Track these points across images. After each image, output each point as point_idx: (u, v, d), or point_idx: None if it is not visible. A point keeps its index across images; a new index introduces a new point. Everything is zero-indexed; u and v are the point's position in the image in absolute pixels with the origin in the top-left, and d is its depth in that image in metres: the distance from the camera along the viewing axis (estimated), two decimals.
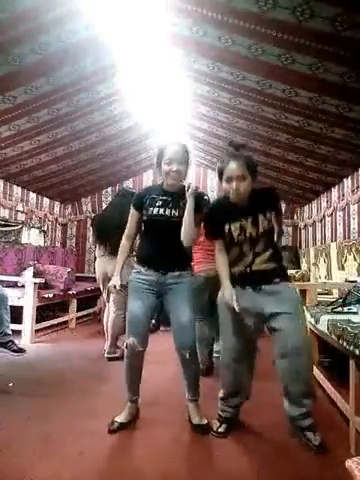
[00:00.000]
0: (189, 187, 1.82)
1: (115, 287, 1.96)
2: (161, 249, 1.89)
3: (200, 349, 2.52)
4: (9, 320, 3.27)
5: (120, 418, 1.93)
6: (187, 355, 1.87)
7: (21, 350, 3.21)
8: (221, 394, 1.95)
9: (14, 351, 3.16)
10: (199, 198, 1.86)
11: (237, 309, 1.73)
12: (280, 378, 1.81)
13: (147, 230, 1.97)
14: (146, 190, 2.02)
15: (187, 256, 1.98)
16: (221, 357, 1.92)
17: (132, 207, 2.00)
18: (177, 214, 1.85)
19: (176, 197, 1.87)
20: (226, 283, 1.80)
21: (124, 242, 2.03)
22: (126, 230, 2.03)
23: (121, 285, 1.91)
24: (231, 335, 1.84)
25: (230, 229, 1.80)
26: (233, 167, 1.72)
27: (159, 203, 1.88)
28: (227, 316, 1.86)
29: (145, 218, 1.91)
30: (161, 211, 1.86)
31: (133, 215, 1.99)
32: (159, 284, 1.90)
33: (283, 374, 1.78)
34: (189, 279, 1.94)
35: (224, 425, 1.90)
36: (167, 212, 1.86)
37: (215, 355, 3.08)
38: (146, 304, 1.90)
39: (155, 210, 1.87)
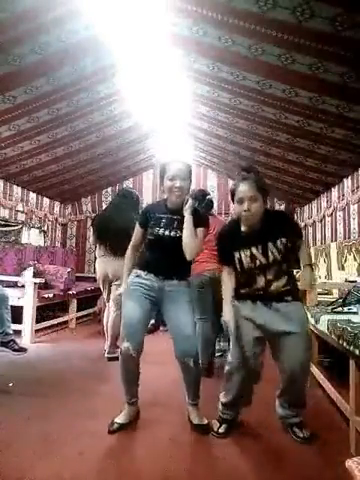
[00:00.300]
0: (187, 201, 1.87)
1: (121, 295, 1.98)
2: (163, 259, 1.92)
3: (202, 349, 2.52)
4: (10, 320, 3.28)
5: (120, 419, 1.93)
6: (191, 363, 1.86)
7: (22, 349, 3.22)
8: (223, 399, 1.96)
9: (15, 350, 3.17)
10: (197, 210, 1.94)
11: (232, 329, 1.82)
12: (283, 386, 1.88)
13: (151, 244, 1.99)
14: (151, 207, 2.06)
15: (187, 268, 2.01)
16: (228, 366, 1.92)
17: (137, 224, 2.05)
18: (180, 234, 1.87)
19: (180, 217, 1.90)
20: (227, 307, 1.85)
21: (129, 252, 2.08)
22: (132, 241, 2.08)
23: None
24: (239, 346, 1.85)
25: (240, 257, 1.82)
26: (244, 188, 1.75)
27: (163, 223, 1.92)
28: (237, 331, 1.87)
29: (150, 236, 1.95)
30: (166, 232, 1.90)
31: (138, 231, 2.05)
32: (157, 290, 1.91)
33: (285, 386, 1.86)
34: (186, 287, 1.96)
35: (224, 426, 1.92)
36: (172, 233, 1.89)
37: (217, 354, 3.09)
38: (143, 308, 1.90)
39: (160, 231, 1.91)
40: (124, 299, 1.96)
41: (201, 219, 1.93)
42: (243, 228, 1.82)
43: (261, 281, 1.82)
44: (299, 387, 1.84)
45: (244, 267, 1.81)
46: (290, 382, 1.82)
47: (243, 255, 1.81)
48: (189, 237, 1.83)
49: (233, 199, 1.82)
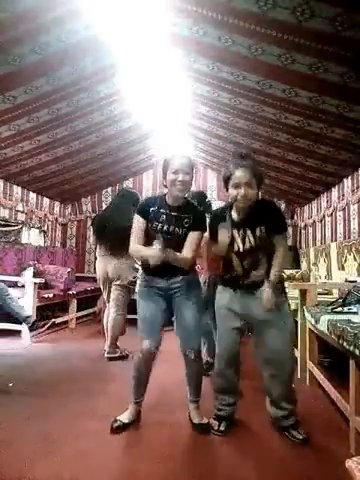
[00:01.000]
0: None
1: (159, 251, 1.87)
2: (164, 262, 1.89)
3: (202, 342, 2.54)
4: (20, 305, 3.30)
5: (123, 418, 1.94)
6: (192, 356, 1.91)
7: (45, 323, 3.26)
8: (215, 386, 2.02)
9: (43, 326, 3.22)
10: (199, 213, 1.97)
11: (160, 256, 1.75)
12: (265, 381, 1.91)
13: (151, 241, 1.97)
14: (150, 200, 2.02)
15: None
16: (217, 352, 1.98)
17: (137, 214, 1.98)
18: (180, 232, 1.90)
19: (180, 214, 1.92)
20: (148, 251, 1.84)
21: (134, 246, 1.99)
22: (134, 239, 1.99)
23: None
24: (225, 335, 1.91)
25: (233, 235, 1.84)
26: (241, 174, 1.76)
27: (163, 218, 1.92)
28: (220, 317, 1.94)
29: (150, 230, 1.95)
30: (165, 227, 1.91)
31: (139, 222, 1.96)
32: (166, 289, 1.95)
33: (266, 378, 1.89)
34: (192, 281, 1.97)
35: (223, 423, 1.93)
36: (171, 229, 1.91)
37: None
38: (158, 306, 1.94)
39: (159, 225, 1.91)
40: (139, 301, 2.00)
41: (198, 223, 1.94)
42: (234, 214, 1.87)
43: (239, 268, 1.87)
44: (282, 379, 1.84)
45: (233, 248, 1.85)
46: (272, 375, 1.84)
47: (235, 235, 1.85)
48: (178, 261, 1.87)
49: (226, 185, 1.83)
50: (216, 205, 5.82)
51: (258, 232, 1.81)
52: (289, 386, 1.89)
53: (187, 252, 1.88)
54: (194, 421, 1.95)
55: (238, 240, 1.83)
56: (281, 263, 1.84)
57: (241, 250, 1.83)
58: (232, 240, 1.84)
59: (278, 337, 1.81)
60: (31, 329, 3.20)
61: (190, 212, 1.94)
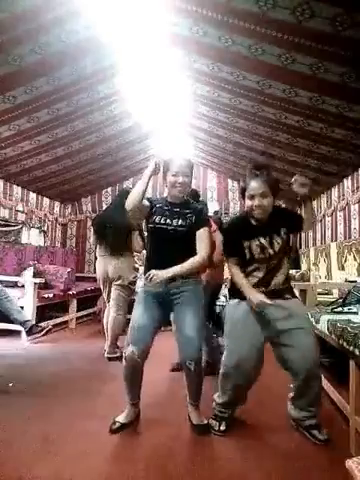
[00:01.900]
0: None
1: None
2: (164, 260, 1.88)
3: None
4: (18, 308, 3.28)
5: (121, 418, 1.93)
6: (192, 367, 1.84)
7: (44, 329, 3.24)
8: (218, 400, 1.97)
9: (41, 331, 3.19)
10: (200, 209, 1.98)
11: (268, 304, 1.72)
12: (295, 387, 1.86)
13: (153, 239, 1.99)
14: (154, 198, 2.08)
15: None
16: (224, 368, 1.90)
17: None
18: (182, 223, 1.90)
19: (181, 209, 1.95)
20: (251, 290, 1.80)
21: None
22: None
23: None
24: (239, 350, 1.83)
25: (250, 246, 1.84)
26: (255, 185, 1.79)
27: (166, 213, 1.94)
28: (235, 327, 1.87)
29: (151, 226, 1.95)
30: (168, 221, 1.92)
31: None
32: (164, 294, 1.90)
33: (298, 387, 1.84)
34: (194, 287, 1.92)
35: (223, 423, 1.92)
36: (174, 222, 1.91)
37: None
38: (152, 314, 1.90)
39: (162, 219, 1.92)
40: (135, 303, 1.98)
41: (201, 218, 1.95)
42: (253, 222, 1.87)
43: (262, 274, 1.85)
44: (316, 386, 1.81)
45: (254, 256, 1.84)
46: (306, 382, 1.79)
47: (254, 245, 1.84)
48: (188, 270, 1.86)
49: (243, 195, 1.87)
50: (214, 205, 5.86)
51: (282, 234, 1.85)
52: (319, 392, 1.86)
53: (202, 250, 1.88)
54: (194, 422, 1.94)
55: (266, 245, 1.83)
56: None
57: (271, 253, 1.83)
58: (262, 247, 1.83)
59: (308, 340, 1.77)
60: (28, 334, 3.18)
61: (191, 208, 1.97)
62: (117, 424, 1.90)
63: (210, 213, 3.01)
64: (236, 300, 1.90)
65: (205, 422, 1.94)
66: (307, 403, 1.85)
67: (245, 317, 1.84)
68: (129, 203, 1.86)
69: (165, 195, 2.05)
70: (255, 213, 1.82)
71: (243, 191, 1.86)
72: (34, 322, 3.52)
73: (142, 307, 1.92)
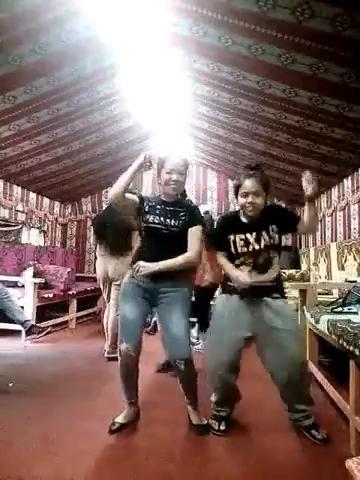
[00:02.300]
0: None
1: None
2: (156, 257, 1.85)
3: None
4: (19, 308, 3.29)
5: (120, 419, 1.93)
6: (182, 366, 1.83)
7: (44, 329, 3.25)
8: (214, 398, 1.99)
9: (40, 332, 3.20)
10: (193, 207, 1.99)
11: (248, 283, 1.78)
12: (279, 388, 1.88)
13: (145, 238, 1.98)
14: (147, 196, 2.04)
15: (184, 268, 1.90)
16: (210, 366, 1.93)
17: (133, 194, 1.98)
18: (176, 224, 1.88)
19: (175, 208, 1.93)
20: (233, 269, 1.87)
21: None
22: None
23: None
24: (224, 346, 1.86)
25: (235, 240, 1.89)
26: (249, 184, 1.83)
27: (158, 211, 1.91)
28: (222, 322, 1.90)
29: (144, 225, 1.92)
30: (162, 219, 1.89)
31: (131, 198, 1.92)
32: (152, 291, 1.88)
33: (282, 387, 1.86)
34: (183, 289, 1.90)
35: (223, 422, 1.93)
36: (167, 221, 1.89)
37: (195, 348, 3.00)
38: (140, 309, 1.88)
39: (156, 218, 1.89)
40: (121, 300, 1.95)
41: (194, 217, 1.93)
42: (244, 219, 1.91)
43: (249, 269, 1.87)
44: (295, 387, 1.83)
45: (237, 250, 1.88)
46: (286, 385, 1.82)
47: (238, 239, 1.88)
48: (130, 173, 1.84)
49: (236, 193, 1.91)
50: (213, 205, 5.86)
51: (271, 231, 1.86)
52: (306, 390, 1.88)
53: (193, 247, 1.88)
54: (193, 422, 1.94)
55: (252, 240, 1.86)
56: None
57: (256, 248, 1.85)
58: (246, 242, 1.87)
59: (290, 342, 1.79)
60: (28, 333, 3.18)
61: (184, 206, 1.95)
62: (116, 425, 1.90)
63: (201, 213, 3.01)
64: (224, 295, 1.94)
65: (205, 422, 1.94)
66: (292, 402, 1.88)
67: (230, 312, 1.87)
68: (111, 193, 1.84)
69: (159, 193, 2.01)
70: (247, 210, 1.86)
71: (236, 189, 1.89)
72: (34, 322, 3.53)
73: (130, 302, 1.89)
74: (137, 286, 1.90)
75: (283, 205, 5.65)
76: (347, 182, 3.87)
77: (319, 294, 3.15)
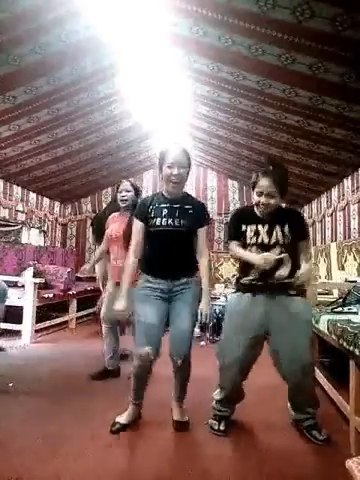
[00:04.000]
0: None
1: (125, 312, 1.91)
2: (168, 259, 1.88)
3: None
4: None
5: (122, 419, 1.92)
6: (180, 362, 1.84)
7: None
8: (217, 396, 1.97)
9: None
10: (200, 204, 1.98)
11: (273, 258, 1.73)
12: (289, 389, 1.88)
13: (153, 241, 1.92)
14: (147, 200, 1.96)
15: (193, 262, 1.95)
16: (221, 364, 1.92)
17: (136, 219, 1.93)
18: (184, 223, 1.84)
19: (181, 205, 1.88)
20: (250, 254, 1.82)
21: (131, 260, 1.93)
22: (131, 246, 1.94)
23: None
24: (236, 346, 1.83)
25: (245, 230, 1.86)
26: (265, 184, 1.79)
27: (165, 212, 1.86)
28: (235, 320, 1.88)
29: (151, 229, 1.87)
30: (170, 221, 1.84)
31: (138, 227, 1.91)
32: (168, 291, 1.89)
33: (290, 386, 1.85)
34: (194, 286, 1.91)
35: (223, 422, 1.92)
36: (176, 222, 1.84)
37: None
38: (160, 311, 1.87)
39: (163, 221, 1.84)
40: (138, 304, 1.89)
41: (203, 215, 1.93)
42: (258, 213, 1.88)
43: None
44: (305, 389, 1.83)
45: (246, 241, 1.85)
46: (296, 385, 1.81)
47: (248, 229, 1.85)
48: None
49: (253, 188, 1.87)
50: (213, 205, 5.86)
51: (286, 230, 1.83)
52: (313, 392, 1.87)
53: (204, 250, 1.90)
54: (174, 417, 1.94)
55: (263, 233, 1.83)
56: (307, 254, 1.90)
57: (265, 241, 1.82)
58: (256, 233, 1.84)
59: (302, 344, 1.77)
60: None
61: (191, 203, 1.90)
62: (118, 425, 1.89)
63: None
64: (237, 293, 1.91)
65: (186, 419, 1.94)
66: (302, 404, 1.87)
67: (245, 311, 1.84)
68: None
69: (161, 190, 1.96)
70: (260, 209, 1.84)
71: (253, 185, 1.86)
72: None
73: (148, 305, 1.86)
74: (153, 289, 1.88)
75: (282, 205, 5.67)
76: (347, 182, 3.86)
77: (319, 294, 3.15)
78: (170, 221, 1.84)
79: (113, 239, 2.68)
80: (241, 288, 1.89)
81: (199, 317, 1.86)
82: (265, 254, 1.75)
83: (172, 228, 1.84)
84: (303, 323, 1.80)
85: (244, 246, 1.86)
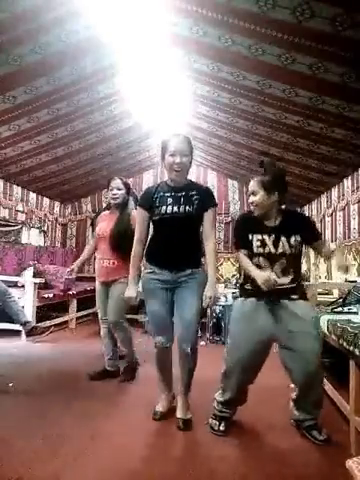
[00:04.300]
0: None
1: (135, 298, 1.98)
2: (173, 249, 1.89)
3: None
4: (20, 307, 3.30)
5: (160, 407, 2.00)
6: (188, 349, 1.88)
7: (45, 331, 3.30)
8: (220, 398, 1.97)
9: (41, 333, 3.23)
10: (205, 188, 2.00)
11: (274, 281, 1.72)
12: (298, 392, 1.87)
13: (158, 229, 1.94)
14: (151, 189, 1.98)
15: (199, 252, 1.97)
16: (225, 366, 1.92)
17: (139, 207, 1.96)
18: (190, 209, 1.86)
19: (185, 192, 1.89)
20: (256, 270, 1.80)
21: (136, 248, 1.99)
22: (136, 234, 1.99)
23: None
24: (242, 350, 1.83)
25: (252, 240, 1.86)
26: (251, 183, 1.87)
27: (170, 201, 1.87)
28: (240, 325, 1.88)
29: (156, 218, 1.89)
30: (175, 209, 1.85)
31: (142, 216, 1.96)
32: (173, 282, 1.91)
33: (300, 389, 1.85)
34: (200, 276, 1.94)
35: (223, 423, 1.92)
36: (181, 209, 1.86)
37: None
38: (166, 302, 1.92)
39: (168, 209, 1.86)
40: (146, 297, 1.97)
41: (208, 199, 1.93)
42: (266, 221, 1.89)
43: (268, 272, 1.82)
44: (317, 390, 1.82)
45: (254, 251, 1.85)
46: (307, 387, 1.80)
47: (255, 238, 1.85)
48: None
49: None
50: None
51: (293, 241, 1.83)
52: (321, 395, 1.88)
53: (211, 235, 1.90)
54: (177, 415, 1.95)
55: (269, 242, 1.83)
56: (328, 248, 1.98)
57: (272, 251, 1.82)
58: (263, 243, 1.84)
59: (308, 349, 1.76)
60: (28, 334, 3.19)
61: (195, 189, 1.90)
62: (158, 414, 1.97)
63: None
64: (242, 298, 1.91)
65: (189, 417, 1.94)
66: (310, 406, 1.86)
67: (250, 315, 1.84)
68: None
69: (165, 179, 1.98)
70: (252, 209, 1.88)
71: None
72: (34, 323, 3.52)
73: (156, 298, 1.93)
74: (158, 281, 1.92)
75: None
76: (347, 182, 3.86)
77: (319, 294, 3.15)
78: (175, 208, 1.85)
79: (100, 238, 2.69)
80: (244, 293, 1.90)
81: (204, 300, 1.87)
82: (267, 277, 1.71)
83: (177, 215, 1.85)
84: (308, 325, 1.79)
85: (251, 255, 1.86)
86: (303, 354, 1.75)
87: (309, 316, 1.84)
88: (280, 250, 1.82)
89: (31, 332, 3.21)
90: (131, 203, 2.74)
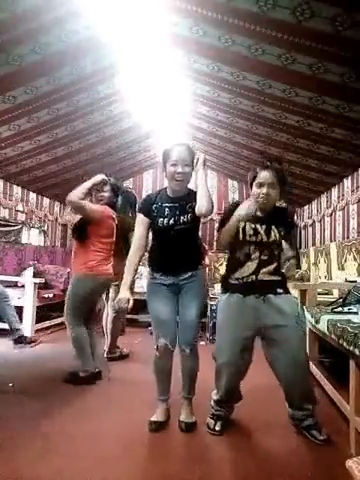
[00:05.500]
0: (198, 161, 1.90)
1: (127, 301, 1.90)
2: (172, 257, 1.91)
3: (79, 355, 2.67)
4: (15, 314, 3.30)
5: (157, 417, 1.94)
6: (188, 351, 1.89)
7: (33, 341, 3.26)
8: (214, 397, 1.98)
9: (29, 343, 3.23)
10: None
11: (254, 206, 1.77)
12: (282, 386, 1.87)
13: (158, 239, 1.97)
14: (151, 197, 1.97)
15: (198, 255, 2.00)
16: (217, 365, 1.93)
17: (139, 213, 1.94)
18: (185, 220, 1.87)
19: (183, 203, 1.89)
20: (237, 211, 1.81)
21: (132, 256, 1.94)
22: (134, 240, 1.95)
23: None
24: (228, 342, 1.86)
25: (244, 227, 1.85)
26: (266, 175, 1.82)
27: (167, 212, 1.88)
28: (226, 322, 1.89)
29: (155, 228, 1.91)
30: (171, 221, 1.87)
31: (142, 223, 1.93)
32: (174, 285, 1.93)
33: (285, 383, 1.86)
34: (200, 276, 1.96)
35: (219, 423, 1.92)
36: (179, 220, 1.86)
37: None
38: (170, 304, 1.92)
39: (165, 221, 1.87)
40: (149, 300, 1.96)
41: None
42: (257, 212, 1.88)
43: (255, 262, 1.84)
44: (300, 385, 1.83)
45: (246, 238, 1.84)
46: (293, 378, 1.81)
47: (248, 227, 1.85)
48: (205, 194, 1.84)
49: (251, 185, 1.89)
50: (216, 204, 5.85)
51: (280, 230, 1.86)
52: (309, 387, 1.88)
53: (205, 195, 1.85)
54: (180, 418, 1.94)
55: (261, 231, 1.84)
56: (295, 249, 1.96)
57: (264, 240, 1.84)
58: (256, 231, 1.84)
59: (294, 340, 1.78)
60: (16, 342, 3.21)
61: (193, 200, 1.87)
62: (154, 425, 1.90)
63: None
64: (226, 294, 1.91)
65: (193, 420, 1.94)
66: (299, 401, 1.86)
67: (234, 311, 1.86)
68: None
69: (165, 187, 1.99)
70: (260, 201, 1.83)
71: (252, 179, 1.86)
72: (23, 334, 3.49)
73: (159, 299, 1.92)
74: (160, 285, 1.93)
75: (283, 205, 5.67)
76: (347, 182, 3.86)
77: (319, 294, 3.15)
78: (172, 221, 1.87)
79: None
80: (229, 288, 1.89)
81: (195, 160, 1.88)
82: (248, 204, 1.79)
83: (175, 227, 1.86)
84: (292, 319, 1.81)
85: (240, 243, 1.86)
86: (289, 346, 1.77)
87: (294, 309, 1.87)
88: (272, 238, 1.85)
89: (19, 340, 3.22)
90: (118, 204, 2.82)
